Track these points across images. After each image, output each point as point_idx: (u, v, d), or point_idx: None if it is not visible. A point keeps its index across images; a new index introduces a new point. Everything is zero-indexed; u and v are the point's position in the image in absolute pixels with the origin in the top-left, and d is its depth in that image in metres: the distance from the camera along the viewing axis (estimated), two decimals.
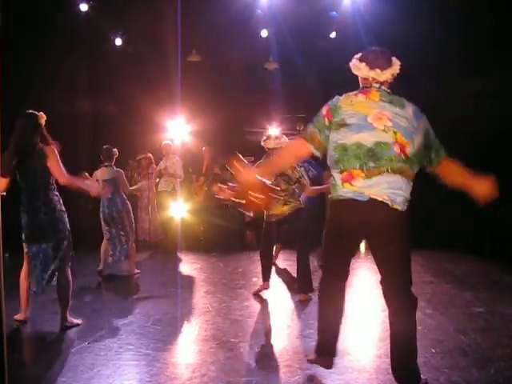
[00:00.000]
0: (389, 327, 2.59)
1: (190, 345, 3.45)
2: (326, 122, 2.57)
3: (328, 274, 2.78)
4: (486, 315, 3.89)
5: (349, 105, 2.56)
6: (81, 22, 7.89)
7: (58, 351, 3.21)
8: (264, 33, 8.85)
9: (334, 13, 8.35)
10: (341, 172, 2.51)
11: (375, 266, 2.68)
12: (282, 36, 8.38)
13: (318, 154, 2.69)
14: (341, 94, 2.67)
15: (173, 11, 7.26)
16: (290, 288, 5.01)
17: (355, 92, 2.62)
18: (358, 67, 2.64)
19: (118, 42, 8.97)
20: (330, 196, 2.70)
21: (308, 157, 3.02)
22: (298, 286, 4.64)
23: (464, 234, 7.04)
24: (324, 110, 2.60)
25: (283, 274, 5.70)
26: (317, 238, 5.19)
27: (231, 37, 8.25)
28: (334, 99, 2.63)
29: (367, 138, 2.46)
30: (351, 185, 2.48)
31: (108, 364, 2.99)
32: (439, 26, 7.08)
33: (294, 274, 5.55)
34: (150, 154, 8.24)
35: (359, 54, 2.70)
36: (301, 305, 4.28)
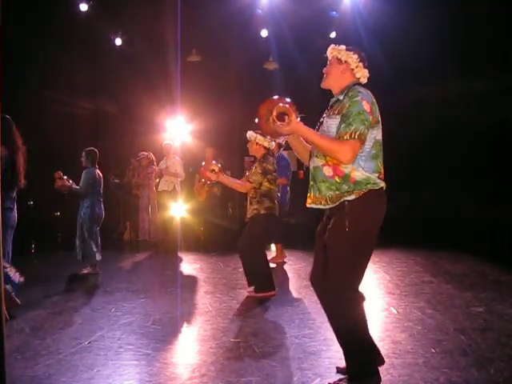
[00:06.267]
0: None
1: (190, 345, 3.45)
2: (371, 120, 2.51)
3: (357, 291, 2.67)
4: (486, 315, 3.89)
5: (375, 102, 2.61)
6: (81, 21, 7.90)
7: (58, 351, 3.21)
8: (264, 33, 8.85)
9: (334, 13, 8.36)
10: (378, 166, 2.58)
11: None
12: (282, 36, 8.38)
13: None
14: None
15: (173, 11, 7.26)
16: (289, 288, 5.01)
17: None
18: (360, 68, 2.70)
19: (118, 42, 8.98)
20: (365, 188, 2.53)
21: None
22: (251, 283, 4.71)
23: (464, 234, 7.04)
24: (368, 108, 2.51)
25: (283, 274, 5.70)
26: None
27: (231, 37, 8.25)
28: (367, 94, 2.58)
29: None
30: (383, 179, 2.61)
31: (108, 364, 2.99)
32: (439, 25, 7.08)
33: (295, 274, 5.57)
34: (152, 154, 8.24)
35: (356, 55, 2.69)
36: (301, 305, 4.28)
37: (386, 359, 2.98)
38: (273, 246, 6.91)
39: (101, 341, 3.41)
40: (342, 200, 2.55)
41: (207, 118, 8.32)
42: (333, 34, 8.65)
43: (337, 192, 2.55)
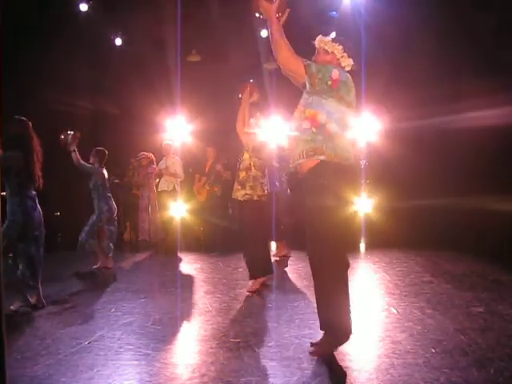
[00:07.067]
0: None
1: (189, 345, 3.45)
2: (329, 83, 2.86)
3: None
4: (486, 315, 3.89)
5: (353, 92, 2.97)
6: (81, 21, 7.90)
7: (58, 351, 3.21)
8: (264, 33, 8.84)
9: (334, 13, 8.35)
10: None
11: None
12: None
13: (307, 85, 2.92)
14: None
15: (173, 11, 7.25)
16: (289, 288, 5.01)
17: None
18: (345, 57, 3.04)
19: (118, 42, 8.97)
20: (334, 154, 2.87)
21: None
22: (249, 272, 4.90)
23: (464, 233, 7.04)
24: (334, 76, 2.86)
25: (283, 274, 5.70)
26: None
27: (231, 37, 8.24)
28: (344, 73, 2.94)
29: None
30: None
31: (108, 364, 2.99)
32: (438, 25, 7.08)
33: (295, 274, 5.57)
34: (152, 154, 8.24)
35: (341, 46, 3.03)
36: (301, 305, 4.28)
37: (385, 359, 2.99)
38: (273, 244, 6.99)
39: (101, 341, 3.41)
40: (313, 157, 2.85)
41: (207, 117, 8.31)
42: (333, 34, 8.65)
43: (311, 143, 2.86)
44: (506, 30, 6.42)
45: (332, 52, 3.00)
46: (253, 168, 4.84)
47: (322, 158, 2.84)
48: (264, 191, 4.84)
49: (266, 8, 2.90)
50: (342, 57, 3.01)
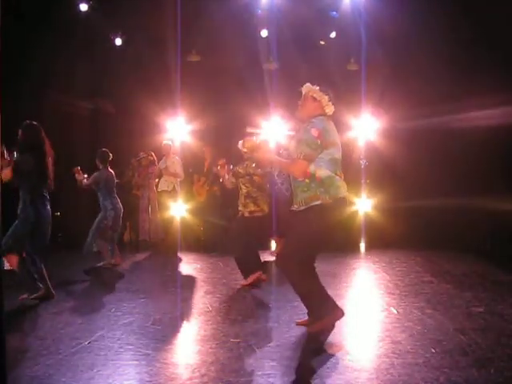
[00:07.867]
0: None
1: (190, 345, 3.45)
2: (318, 142, 3.26)
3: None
4: (486, 315, 3.89)
5: (333, 129, 3.39)
6: (81, 21, 7.89)
7: (58, 351, 3.21)
8: (264, 33, 8.85)
9: (334, 13, 8.36)
10: (336, 169, 3.35)
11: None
12: (282, 36, 8.37)
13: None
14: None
15: (173, 11, 7.25)
16: (289, 288, 5.00)
17: (327, 118, 3.43)
18: (329, 105, 3.43)
19: (118, 42, 8.97)
20: (329, 196, 3.30)
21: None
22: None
23: (464, 234, 7.04)
24: (315, 134, 3.26)
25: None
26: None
27: (231, 37, 8.24)
28: (319, 122, 3.31)
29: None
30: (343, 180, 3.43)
31: (108, 364, 2.99)
32: (438, 26, 7.09)
33: None
34: (153, 154, 8.24)
35: (327, 96, 3.42)
36: (301, 305, 4.28)
37: (385, 359, 2.99)
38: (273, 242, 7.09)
39: (101, 341, 3.41)
40: (311, 203, 3.28)
41: (207, 117, 8.32)
42: (333, 34, 8.65)
43: (308, 192, 3.29)
44: (504, 29, 6.42)
45: (319, 100, 3.41)
46: (243, 187, 5.12)
47: (319, 202, 3.27)
48: (258, 206, 5.06)
49: (267, 160, 3.57)
50: (327, 105, 3.42)
